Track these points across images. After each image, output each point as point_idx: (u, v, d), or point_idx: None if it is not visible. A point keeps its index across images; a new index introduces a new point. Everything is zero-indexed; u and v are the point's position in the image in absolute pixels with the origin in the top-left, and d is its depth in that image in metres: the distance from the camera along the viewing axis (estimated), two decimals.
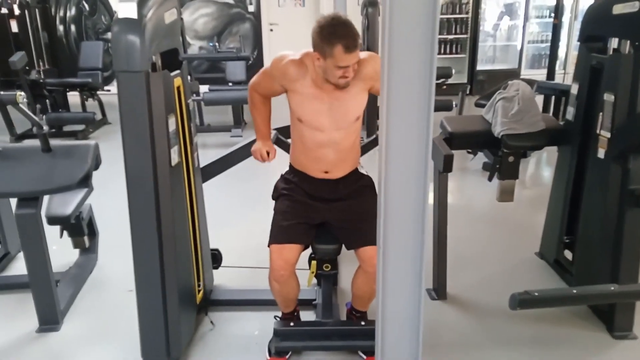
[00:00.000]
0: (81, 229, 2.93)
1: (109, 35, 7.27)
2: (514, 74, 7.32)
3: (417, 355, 1.65)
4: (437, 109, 5.64)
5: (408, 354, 1.65)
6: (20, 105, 2.31)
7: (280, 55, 2.12)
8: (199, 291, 2.49)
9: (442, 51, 7.97)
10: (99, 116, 6.28)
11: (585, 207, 2.55)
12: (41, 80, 5.75)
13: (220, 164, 2.67)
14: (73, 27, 8.30)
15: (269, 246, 2.11)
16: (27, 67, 5.55)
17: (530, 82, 4.80)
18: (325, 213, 2.16)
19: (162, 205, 2.01)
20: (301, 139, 2.16)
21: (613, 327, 2.41)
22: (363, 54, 2.08)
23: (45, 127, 2.37)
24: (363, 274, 2.14)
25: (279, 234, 2.11)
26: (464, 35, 8.11)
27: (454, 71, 6.13)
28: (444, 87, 5.36)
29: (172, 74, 2.13)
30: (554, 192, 2.89)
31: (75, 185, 2.33)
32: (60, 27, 8.23)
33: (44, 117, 5.71)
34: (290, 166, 2.28)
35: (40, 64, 7.30)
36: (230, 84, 6.33)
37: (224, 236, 2.99)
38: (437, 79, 5.88)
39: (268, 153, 2.24)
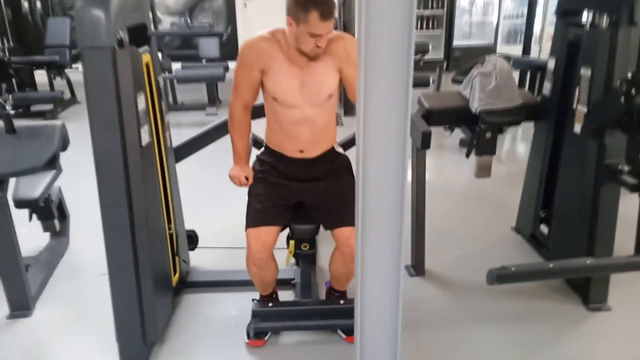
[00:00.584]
0: (51, 212, 2.84)
1: None
2: (489, 49, 7.32)
3: (397, 334, 1.64)
4: (415, 85, 5.60)
5: (387, 333, 1.63)
6: None
7: (246, 41, 2.06)
8: (175, 273, 2.44)
9: (419, 27, 7.91)
10: (67, 95, 6.09)
11: (562, 182, 2.57)
12: (6, 59, 5.53)
13: (194, 143, 2.60)
14: (39, 3, 7.98)
15: (245, 230, 2.07)
16: None
17: (506, 58, 4.81)
18: (301, 193, 2.13)
19: (132, 186, 1.94)
20: (276, 117, 2.10)
21: (588, 300, 2.45)
22: (334, 33, 2.03)
23: (8, 107, 2.26)
24: (340, 255, 2.12)
25: (255, 217, 2.07)
26: (440, 11, 8.06)
27: (430, 47, 6.10)
28: (421, 63, 5.33)
29: (140, 49, 2.04)
30: (530, 167, 2.90)
31: (41, 168, 2.23)
32: (25, 3, 7.90)
33: (10, 96, 5.54)
34: (266, 146, 2.22)
35: (5, 41, 7.01)
36: (203, 60, 6.19)
37: (201, 217, 2.93)
38: (414, 55, 5.85)
39: (247, 178, 2.17)
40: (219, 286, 2.64)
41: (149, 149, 2.06)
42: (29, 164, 2.22)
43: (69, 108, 6.33)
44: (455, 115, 2.59)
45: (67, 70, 6.28)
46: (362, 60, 1.30)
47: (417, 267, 2.74)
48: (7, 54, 5.66)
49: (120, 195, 1.92)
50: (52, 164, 2.27)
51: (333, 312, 2.19)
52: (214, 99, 6.19)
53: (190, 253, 2.77)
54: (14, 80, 5.77)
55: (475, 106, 2.46)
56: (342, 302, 2.21)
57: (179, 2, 8.05)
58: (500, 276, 2.17)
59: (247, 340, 2.21)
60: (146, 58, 2.08)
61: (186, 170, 2.67)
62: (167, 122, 2.34)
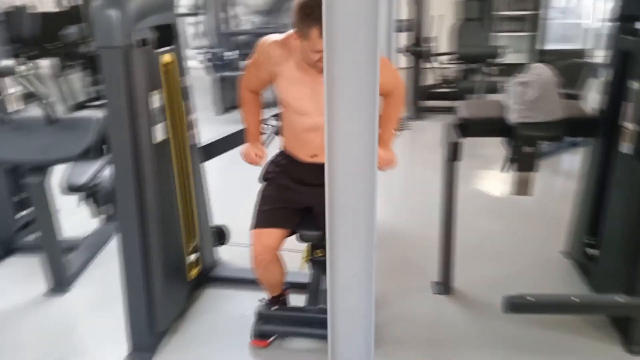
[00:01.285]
0: (97, 199, 3.02)
1: None
2: (581, 54, 6.76)
3: (369, 348, 1.58)
4: (487, 91, 5.33)
5: (360, 353, 1.57)
6: (21, 77, 2.37)
7: (264, 38, 2.05)
8: (195, 267, 2.50)
9: (505, 28, 7.49)
10: None
11: (611, 205, 2.31)
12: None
13: (222, 143, 2.64)
14: None
15: (250, 230, 2.08)
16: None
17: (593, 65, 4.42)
18: (309, 198, 2.09)
19: (143, 180, 2.01)
20: (289, 122, 2.09)
21: (630, 340, 2.18)
22: None
23: (50, 99, 2.43)
24: None
25: (259, 219, 2.07)
26: (530, 11, 7.57)
27: (507, 50, 5.79)
28: (493, 67, 5.06)
29: (162, 49, 2.11)
30: (579, 186, 2.64)
31: (74, 157, 2.38)
32: None
33: (97, 89, 5.99)
34: (281, 149, 2.22)
35: None
36: None
37: (239, 213, 2.99)
38: (480, 59, 5.55)
39: (259, 156, 2.19)
40: (242, 283, 2.66)
41: (163, 146, 2.12)
42: (63, 153, 2.38)
43: None
44: (493, 126, 2.41)
45: None
46: (327, 71, 1.26)
47: (443, 284, 2.60)
48: None
49: (130, 188, 2.00)
50: (86, 154, 2.42)
51: None
52: None
53: (224, 248, 2.83)
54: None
55: (512, 118, 2.28)
56: None
57: (259, 3, 8.23)
58: (514, 305, 2.00)
59: (250, 340, 2.22)
60: (167, 58, 2.14)
61: (228, 169, 2.72)
62: (192, 121, 2.40)
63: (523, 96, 2.27)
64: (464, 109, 2.49)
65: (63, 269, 2.65)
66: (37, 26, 6.12)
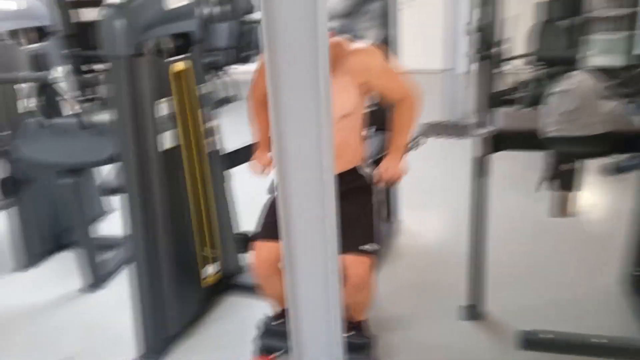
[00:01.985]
0: None
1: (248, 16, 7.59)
2: None
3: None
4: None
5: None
6: (54, 85, 2.51)
7: None
8: (215, 274, 2.50)
9: (597, 29, 6.84)
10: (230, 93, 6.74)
11: None
12: None
13: (248, 151, 2.62)
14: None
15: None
16: None
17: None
18: None
19: (149, 186, 2.04)
20: None
21: None
22: (353, 45, 1.89)
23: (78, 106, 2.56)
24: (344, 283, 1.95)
25: (259, 231, 2.03)
26: (626, 10, 6.86)
27: (599, 53, 5.26)
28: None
29: (174, 58, 2.13)
30: (635, 209, 2.32)
31: (102, 162, 2.48)
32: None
33: None
34: None
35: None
36: None
37: None
38: (565, 63, 5.07)
39: (265, 166, 2.18)
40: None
41: (172, 153, 2.14)
42: (93, 157, 2.49)
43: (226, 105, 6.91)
44: (527, 140, 2.17)
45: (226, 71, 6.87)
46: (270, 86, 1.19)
47: (472, 309, 2.39)
48: None
49: (135, 194, 2.04)
50: (113, 159, 2.51)
51: None
52: None
53: None
54: None
55: (546, 131, 2.04)
56: (345, 335, 2.03)
57: (338, 7, 8.23)
58: (529, 341, 1.79)
59: (252, 356, 2.18)
60: (180, 66, 2.15)
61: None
62: (213, 128, 2.40)
63: (559, 107, 2.02)
64: (501, 119, 2.28)
65: (97, 267, 2.77)
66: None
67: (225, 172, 2.60)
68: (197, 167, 2.35)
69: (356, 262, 1.89)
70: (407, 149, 2.17)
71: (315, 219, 1.30)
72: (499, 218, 3.22)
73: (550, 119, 2.03)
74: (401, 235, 3.23)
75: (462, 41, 5.36)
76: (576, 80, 2.04)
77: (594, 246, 3.01)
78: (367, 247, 1.92)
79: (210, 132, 2.39)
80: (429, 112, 6.05)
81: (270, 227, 2.00)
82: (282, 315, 2.20)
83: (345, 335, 2.01)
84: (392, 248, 3.08)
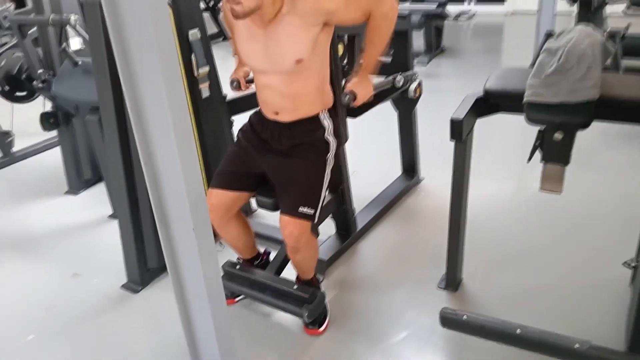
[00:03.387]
0: None
1: None
2: None
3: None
4: None
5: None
6: (78, 27, 2.67)
7: None
8: None
9: None
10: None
11: None
12: None
13: (249, 100, 2.64)
14: None
15: None
16: None
17: None
18: (262, 164, 2.00)
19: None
20: (254, 77, 2.00)
21: None
22: None
23: None
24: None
25: (213, 179, 2.06)
26: None
27: None
28: None
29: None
30: None
31: None
32: None
33: None
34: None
35: None
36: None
37: None
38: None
39: (238, 83, 2.13)
40: (262, 239, 2.69)
41: None
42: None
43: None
44: (519, 102, 1.92)
45: None
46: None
47: (448, 278, 2.27)
48: None
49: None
50: None
51: (282, 294, 2.06)
52: (430, 47, 5.85)
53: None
54: None
55: (525, 94, 1.79)
56: (295, 287, 2.06)
57: None
58: (446, 319, 1.70)
59: None
60: None
61: None
62: (205, 74, 2.43)
63: (543, 68, 1.76)
64: (495, 78, 2.04)
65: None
66: None
67: (227, 118, 2.67)
68: (192, 113, 2.43)
69: (290, 224, 1.87)
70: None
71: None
72: (495, 191, 2.99)
73: (533, 80, 1.78)
74: (418, 192, 3.10)
75: None
76: (572, 37, 1.76)
77: (609, 227, 2.65)
78: (305, 209, 1.88)
79: (203, 79, 2.44)
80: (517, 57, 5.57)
81: (225, 176, 2.03)
82: (251, 263, 2.28)
83: (295, 287, 2.06)
84: (404, 206, 2.98)
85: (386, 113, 3.01)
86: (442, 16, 5.71)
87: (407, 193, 3.07)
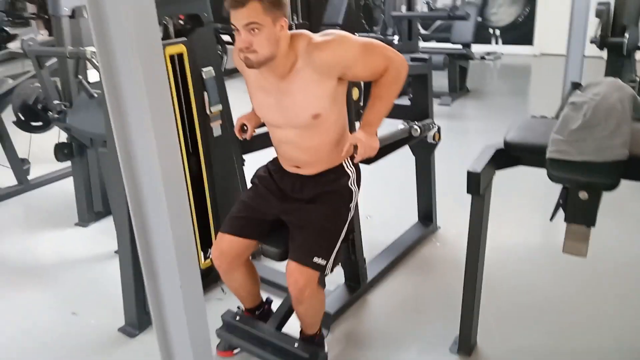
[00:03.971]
0: None
1: None
2: None
3: None
4: None
5: None
6: (95, 60, 2.65)
7: None
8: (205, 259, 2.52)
9: None
10: None
11: None
12: None
13: (262, 139, 2.58)
14: None
15: None
16: None
17: None
18: (280, 212, 1.91)
19: None
20: (270, 132, 1.93)
21: None
22: (318, 38, 1.70)
23: None
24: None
25: (225, 223, 1.98)
26: None
27: None
28: None
29: (170, 40, 2.15)
30: None
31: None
32: None
33: None
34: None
35: (294, 17, 7.97)
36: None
37: None
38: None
39: (245, 128, 2.03)
40: (267, 284, 2.56)
41: None
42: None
43: None
44: (540, 155, 1.80)
45: None
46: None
47: (462, 342, 2.11)
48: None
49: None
50: None
51: (282, 351, 1.94)
52: (454, 87, 5.77)
53: None
54: None
55: (549, 150, 1.67)
56: (295, 345, 1.93)
57: None
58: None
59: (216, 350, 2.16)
60: (175, 49, 2.16)
61: None
62: (219, 112, 2.38)
63: (568, 123, 1.65)
64: (517, 129, 1.93)
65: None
66: None
67: (239, 157, 2.60)
68: (201, 151, 2.37)
69: (297, 272, 1.77)
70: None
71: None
72: (515, 246, 2.83)
73: (557, 136, 1.66)
74: (433, 242, 2.97)
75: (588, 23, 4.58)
76: (600, 91, 1.65)
77: (623, 285, 2.48)
78: (317, 259, 1.77)
79: (215, 117, 2.38)
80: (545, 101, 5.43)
81: (236, 221, 1.95)
82: (253, 313, 2.16)
83: (296, 345, 1.93)
84: (419, 255, 2.85)
85: (404, 156, 2.90)
86: (467, 57, 5.63)
87: (422, 242, 2.93)
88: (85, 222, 3.36)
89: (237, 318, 2.09)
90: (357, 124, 2.11)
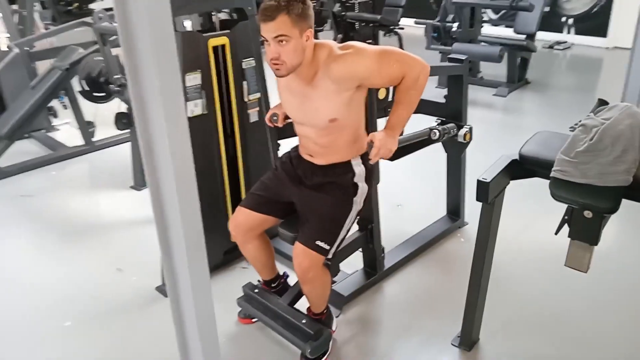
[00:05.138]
0: None
1: None
2: None
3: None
4: None
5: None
6: None
7: None
8: None
9: None
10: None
11: None
12: (343, 13, 6.44)
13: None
14: None
15: None
16: None
17: None
18: (292, 195, 2.09)
19: None
20: None
21: None
22: (339, 51, 1.82)
23: None
24: None
25: (244, 198, 2.19)
26: None
27: None
28: None
29: (212, 34, 2.32)
30: None
31: None
32: None
33: None
34: None
35: None
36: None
37: None
38: None
39: (276, 117, 2.18)
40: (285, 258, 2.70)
41: (198, 121, 2.37)
42: None
43: None
44: (545, 171, 1.84)
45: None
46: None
47: (464, 337, 2.22)
48: (344, 9, 6.51)
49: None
50: None
51: (291, 325, 2.12)
52: (513, 78, 5.64)
53: None
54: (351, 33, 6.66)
55: (552, 169, 1.72)
56: (303, 321, 2.11)
57: None
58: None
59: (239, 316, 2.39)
60: (219, 41, 2.33)
61: None
62: (251, 100, 2.55)
63: (575, 143, 1.69)
64: (532, 143, 1.98)
65: None
66: None
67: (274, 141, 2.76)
68: (238, 134, 2.56)
69: (303, 254, 1.93)
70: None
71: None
72: (529, 246, 2.83)
73: (563, 156, 1.71)
74: (458, 237, 3.04)
75: None
76: (611, 116, 1.67)
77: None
78: (321, 243, 1.93)
79: (253, 104, 2.56)
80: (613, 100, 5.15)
81: (255, 197, 2.14)
82: (270, 285, 2.36)
83: (304, 321, 2.12)
84: (441, 249, 2.94)
85: (439, 149, 2.96)
86: (528, 49, 5.47)
87: (447, 236, 3.02)
88: (138, 186, 3.67)
89: (255, 290, 2.29)
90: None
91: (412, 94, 1.91)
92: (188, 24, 2.58)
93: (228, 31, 2.38)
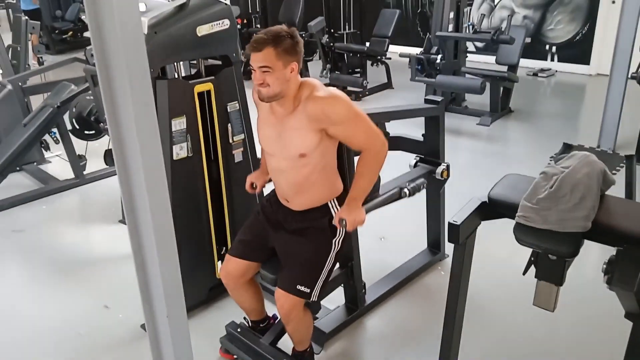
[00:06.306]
0: None
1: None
2: None
3: None
4: None
5: None
6: None
7: None
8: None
9: None
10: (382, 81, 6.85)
11: None
12: (331, 44, 6.60)
13: None
14: None
15: None
16: (328, 30, 6.48)
17: None
18: (273, 239, 2.16)
19: None
20: (267, 163, 2.17)
21: None
22: (319, 92, 1.92)
23: None
24: None
25: (232, 246, 2.26)
26: None
27: None
28: None
29: (199, 80, 2.42)
30: None
31: None
32: None
33: (328, 73, 6.62)
34: None
35: (346, 27, 8.16)
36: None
37: None
38: None
39: (255, 185, 2.34)
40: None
41: (183, 163, 2.46)
42: None
43: (383, 91, 7.04)
44: (510, 214, 1.93)
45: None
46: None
47: None
48: (331, 41, 6.68)
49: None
50: None
51: None
52: (496, 107, 5.77)
53: None
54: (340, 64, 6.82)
55: (516, 214, 1.82)
56: None
57: None
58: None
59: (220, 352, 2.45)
60: (203, 87, 2.43)
61: None
62: (240, 141, 2.65)
63: (537, 190, 1.79)
64: (500, 184, 2.07)
65: None
66: None
67: None
68: (223, 175, 2.64)
69: (282, 298, 2.02)
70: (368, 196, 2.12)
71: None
72: (505, 282, 2.88)
73: (525, 202, 1.81)
74: (439, 270, 3.11)
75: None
76: (571, 164, 1.77)
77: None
78: (301, 287, 2.01)
79: (237, 145, 2.65)
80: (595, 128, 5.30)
81: (242, 245, 2.21)
82: (257, 326, 2.42)
83: None
84: (422, 283, 3.01)
85: None
86: (510, 80, 5.61)
87: (427, 269, 3.09)
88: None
89: (238, 330, 2.35)
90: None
91: (372, 167, 2.02)
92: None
93: (213, 77, 2.48)
